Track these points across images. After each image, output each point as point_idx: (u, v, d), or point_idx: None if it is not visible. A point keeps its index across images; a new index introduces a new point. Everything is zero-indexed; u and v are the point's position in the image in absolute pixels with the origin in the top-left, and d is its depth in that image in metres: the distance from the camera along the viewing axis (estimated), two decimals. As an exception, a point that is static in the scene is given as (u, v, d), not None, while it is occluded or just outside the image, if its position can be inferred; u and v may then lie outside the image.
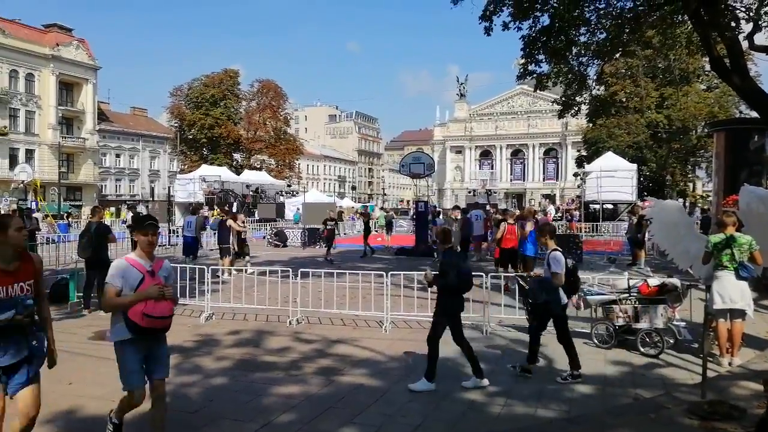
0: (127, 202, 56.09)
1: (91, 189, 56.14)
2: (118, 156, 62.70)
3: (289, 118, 66.78)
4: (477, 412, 5.29)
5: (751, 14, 14.69)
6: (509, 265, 12.34)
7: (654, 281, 7.50)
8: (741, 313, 6.69)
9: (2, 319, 3.43)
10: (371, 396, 5.64)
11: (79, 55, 54.76)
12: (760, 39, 15.46)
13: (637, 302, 7.30)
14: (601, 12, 15.89)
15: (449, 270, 5.81)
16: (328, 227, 19.10)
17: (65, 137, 52.75)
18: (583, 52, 16.67)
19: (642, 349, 7.13)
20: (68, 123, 55.21)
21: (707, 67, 35.69)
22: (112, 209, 46.97)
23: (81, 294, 10.00)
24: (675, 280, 7.42)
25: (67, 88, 55.14)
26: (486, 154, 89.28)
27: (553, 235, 6.66)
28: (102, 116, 60.09)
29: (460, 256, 6.35)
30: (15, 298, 3.49)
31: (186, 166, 57.19)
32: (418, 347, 7.47)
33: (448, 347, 7.53)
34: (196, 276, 9.70)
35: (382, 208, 48.20)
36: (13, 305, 3.47)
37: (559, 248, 6.40)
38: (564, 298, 6.22)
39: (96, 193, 56.28)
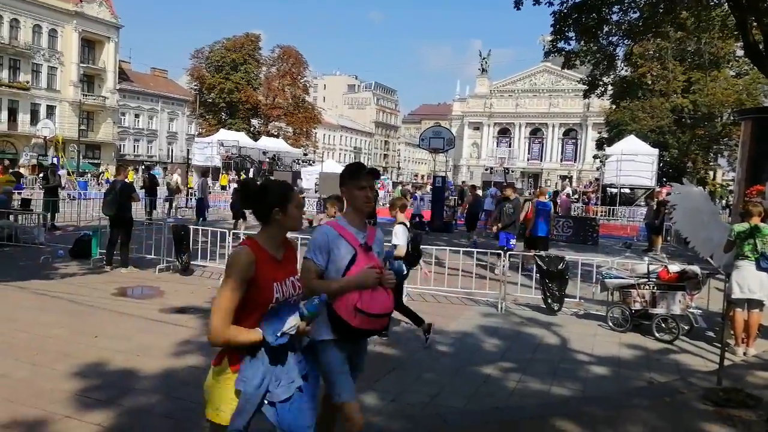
0: (145, 162, 56.54)
1: (109, 148, 56.57)
2: (137, 116, 62.92)
3: (308, 86, 66.45)
4: (492, 386, 5.37)
5: (791, -1, 14.24)
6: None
7: (674, 267, 7.48)
8: (759, 304, 6.66)
9: (287, 329, 2.44)
10: (389, 365, 5.74)
11: (102, 13, 54.60)
12: (798, 26, 15.04)
13: (655, 287, 7.30)
14: (636, -10, 15.52)
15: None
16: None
17: (86, 95, 52.97)
18: (614, 30, 16.37)
19: (657, 335, 7.15)
20: (89, 81, 55.37)
21: (738, 52, 34.77)
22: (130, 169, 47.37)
23: (104, 251, 10.20)
24: (695, 268, 7.39)
25: (89, 46, 55.15)
26: (504, 132, 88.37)
27: (403, 209, 6.84)
28: (123, 76, 60.16)
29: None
30: (289, 299, 2.57)
31: (204, 130, 57.41)
32: (434, 321, 7.55)
33: (461, 322, 7.63)
34: (217, 238, 9.83)
35: (398, 183, 48.07)
36: (294, 309, 2.52)
37: (405, 222, 6.62)
38: (403, 268, 6.35)
39: (114, 152, 56.73)
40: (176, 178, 23.07)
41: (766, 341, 7.10)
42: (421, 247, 7.47)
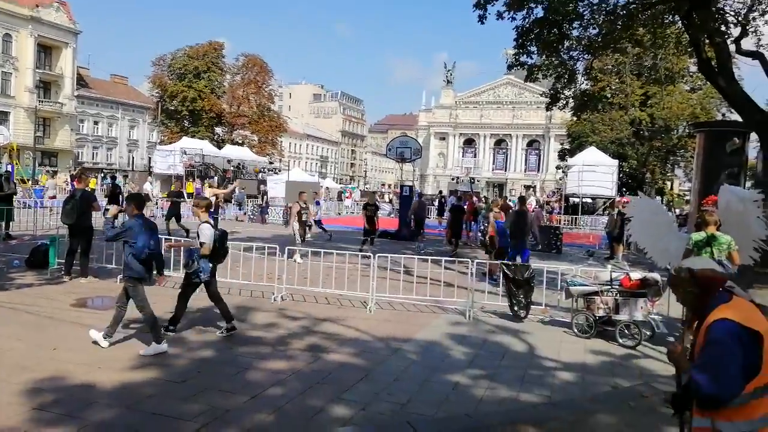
0: (104, 170, 55.07)
1: (67, 155, 54.97)
2: (96, 123, 61.39)
3: (273, 94, 65.99)
4: (461, 393, 5.40)
5: (739, 18, 14.96)
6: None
7: (636, 275, 7.68)
8: None
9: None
10: (358, 374, 5.71)
11: (59, 18, 53.23)
12: (747, 44, 15.79)
13: (618, 294, 7.48)
14: (595, 7, 15.99)
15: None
16: (368, 214, 15.84)
17: (42, 101, 51.49)
18: (574, 46, 16.81)
19: (620, 340, 7.33)
20: (46, 87, 53.84)
21: (692, 68, 36.22)
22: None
23: (62, 260, 9.87)
24: (656, 275, 7.61)
25: (45, 51, 53.67)
26: (470, 142, 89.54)
27: (208, 209, 7.12)
28: (81, 82, 58.69)
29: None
30: None
31: (166, 138, 56.24)
32: (402, 329, 7.58)
33: (430, 330, 7.66)
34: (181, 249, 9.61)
35: (364, 191, 48.12)
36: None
37: (210, 221, 6.93)
38: (208, 267, 6.73)
39: (72, 160, 55.15)
40: (148, 186, 22.53)
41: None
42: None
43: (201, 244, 6.59)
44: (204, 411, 4.56)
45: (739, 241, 7.16)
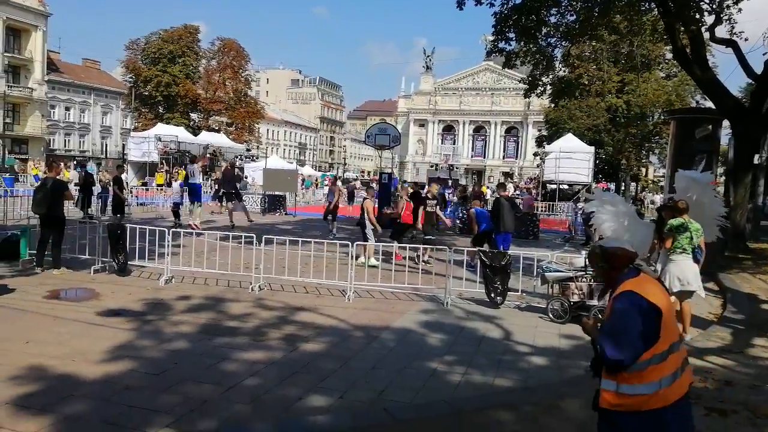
0: (77, 158, 53.94)
1: (38, 142, 53.62)
2: (67, 109, 59.85)
3: (250, 79, 65.09)
4: (438, 380, 5.46)
5: (714, 6, 15.17)
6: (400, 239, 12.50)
7: (609, 261, 7.80)
8: (691, 294, 7.10)
9: None
10: (335, 363, 5.73)
11: (28, 0, 51.58)
12: (720, 32, 16.05)
13: (592, 280, 7.60)
14: (573, -6, 16.07)
15: None
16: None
17: (11, 86, 50.01)
18: (552, 32, 16.93)
19: (594, 325, 7.45)
20: (15, 71, 52.20)
21: (668, 55, 36.66)
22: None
23: (33, 251, 9.67)
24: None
25: (14, 35, 51.94)
26: (449, 129, 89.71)
27: None
28: (52, 66, 57.07)
29: None
30: None
31: (140, 124, 55.27)
32: (381, 317, 7.62)
33: (407, 317, 7.71)
34: (156, 237, 9.51)
35: (341, 178, 47.92)
36: None
37: None
38: None
39: (43, 147, 53.82)
40: (126, 175, 22.08)
41: (694, 329, 7.55)
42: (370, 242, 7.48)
43: None
44: (180, 402, 4.54)
45: (702, 220, 7.40)
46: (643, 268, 2.88)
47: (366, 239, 11.68)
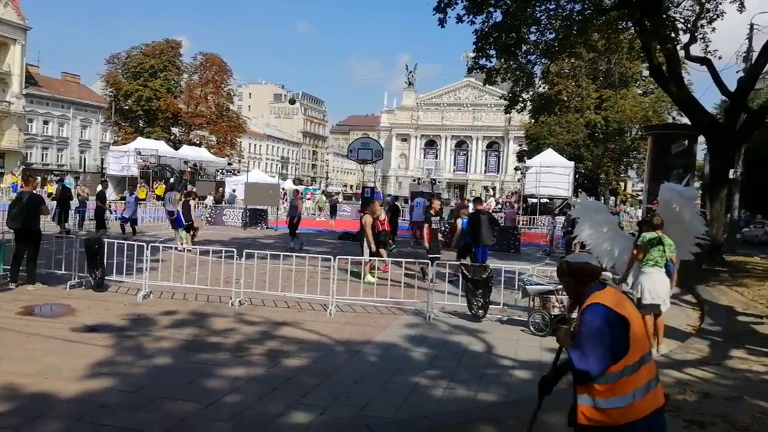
0: (55, 172, 53.15)
1: (15, 156, 52.78)
2: (46, 123, 59.13)
3: (232, 94, 64.95)
4: (421, 394, 5.42)
5: (688, 25, 15.59)
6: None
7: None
8: (658, 308, 7.17)
9: None
10: (317, 378, 5.67)
11: (7, 14, 51.09)
12: (695, 50, 16.47)
13: (572, 293, 7.64)
14: (552, 13, 16.40)
15: None
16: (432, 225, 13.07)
17: (-12, 99, 49.28)
18: (532, 50, 17.21)
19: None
20: (-8, 84, 51.57)
21: (645, 72, 37.47)
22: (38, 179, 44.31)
23: (8, 267, 9.45)
24: (608, 274, 7.83)
25: (-9, 47, 51.40)
26: (431, 144, 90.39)
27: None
28: (30, 80, 56.43)
29: None
30: None
31: (120, 138, 54.65)
32: (362, 332, 7.58)
33: (390, 331, 7.68)
34: (134, 252, 9.37)
35: (324, 192, 47.86)
36: None
37: None
38: None
39: (20, 161, 52.95)
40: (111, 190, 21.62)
41: (672, 341, 7.62)
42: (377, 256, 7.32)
43: None
44: (158, 420, 4.44)
45: (674, 235, 7.46)
46: (608, 282, 2.95)
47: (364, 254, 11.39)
